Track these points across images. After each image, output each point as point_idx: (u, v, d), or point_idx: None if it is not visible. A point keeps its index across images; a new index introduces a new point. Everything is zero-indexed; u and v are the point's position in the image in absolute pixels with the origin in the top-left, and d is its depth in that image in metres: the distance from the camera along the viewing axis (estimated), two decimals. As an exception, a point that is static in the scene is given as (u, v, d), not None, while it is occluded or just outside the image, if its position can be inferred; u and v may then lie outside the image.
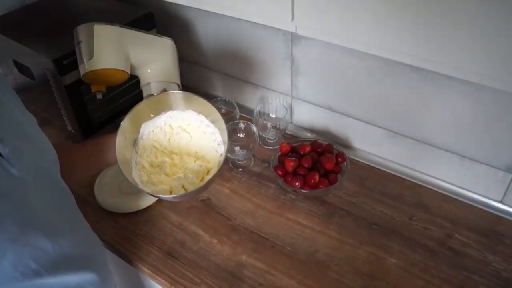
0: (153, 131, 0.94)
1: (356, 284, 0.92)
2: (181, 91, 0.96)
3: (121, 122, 0.88)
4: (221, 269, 0.96)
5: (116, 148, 0.86)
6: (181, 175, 0.90)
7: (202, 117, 0.94)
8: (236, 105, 1.26)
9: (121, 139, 0.88)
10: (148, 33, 1.09)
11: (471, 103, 0.95)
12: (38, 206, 0.67)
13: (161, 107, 0.94)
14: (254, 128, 1.16)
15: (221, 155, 0.91)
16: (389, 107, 1.08)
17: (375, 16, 0.64)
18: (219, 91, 1.42)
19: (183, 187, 0.88)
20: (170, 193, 0.88)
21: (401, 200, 1.08)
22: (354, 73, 1.08)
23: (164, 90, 0.98)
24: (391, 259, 0.96)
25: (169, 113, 0.95)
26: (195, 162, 0.93)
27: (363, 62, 1.04)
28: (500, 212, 1.04)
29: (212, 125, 0.93)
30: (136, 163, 0.91)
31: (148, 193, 0.86)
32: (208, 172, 0.91)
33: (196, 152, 0.94)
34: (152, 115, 0.93)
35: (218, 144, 0.92)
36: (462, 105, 0.96)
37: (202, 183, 0.86)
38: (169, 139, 0.95)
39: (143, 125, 0.94)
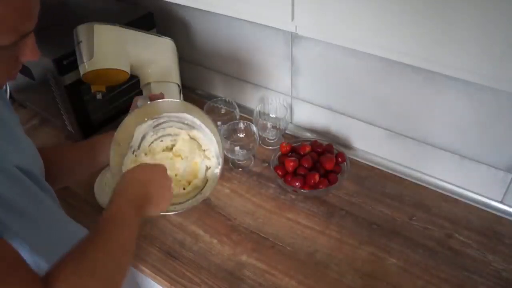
0: (160, 140, 0.95)
1: (356, 284, 0.92)
2: (178, 100, 0.96)
3: (115, 133, 0.87)
4: (221, 269, 0.96)
5: (110, 156, 0.86)
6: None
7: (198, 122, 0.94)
8: (236, 105, 1.26)
9: (114, 147, 0.87)
10: (148, 33, 1.09)
11: (471, 103, 0.95)
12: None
13: (155, 113, 0.93)
14: (254, 128, 1.16)
15: (208, 168, 0.93)
16: (389, 107, 1.08)
17: (375, 16, 0.64)
18: (219, 91, 1.42)
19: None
20: None
21: (401, 200, 1.08)
22: (354, 73, 1.08)
23: (161, 95, 0.98)
24: (391, 259, 0.96)
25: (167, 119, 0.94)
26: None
27: (363, 62, 1.04)
28: (500, 212, 1.04)
29: (209, 136, 0.93)
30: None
31: None
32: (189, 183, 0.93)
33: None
34: (146, 119, 0.93)
35: (208, 158, 0.94)
36: (462, 105, 0.96)
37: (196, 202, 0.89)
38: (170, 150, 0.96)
39: (137, 128, 0.92)
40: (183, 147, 0.94)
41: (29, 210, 0.71)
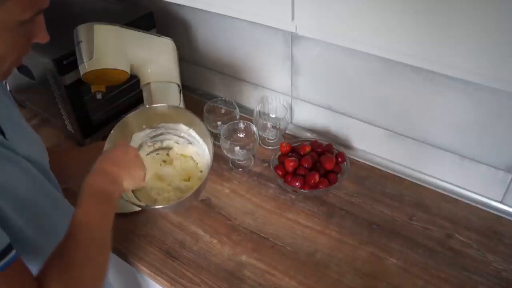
0: (153, 145, 0.95)
1: (356, 284, 0.92)
2: (172, 106, 0.96)
3: (111, 131, 0.87)
4: (221, 269, 0.96)
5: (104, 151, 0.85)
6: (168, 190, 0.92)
7: (192, 132, 0.94)
8: (236, 105, 1.26)
9: (109, 145, 0.87)
10: (148, 33, 1.09)
11: (471, 103, 0.95)
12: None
13: (153, 119, 0.93)
14: (254, 128, 1.16)
15: (201, 171, 0.93)
16: (389, 107, 1.08)
17: (375, 16, 0.64)
18: (219, 91, 1.42)
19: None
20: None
21: (401, 200, 1.08)
22: (354, 73, 1.08)
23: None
24: (391, 259, 0.96)
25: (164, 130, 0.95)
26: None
27: (363, 62, 1.04)
28: (500, 212, 1.04)
29: (200, 141, 0.93)
30: None
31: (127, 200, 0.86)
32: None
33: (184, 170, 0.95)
34: (144, 126, 0.93)
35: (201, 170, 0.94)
36: (462, 105, 0.96)
37: (183, 197, 0.88)
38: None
39: (134, 135, 0.93)
40: (178, 160, 0.95)
41: (44, 209, 0.72)
